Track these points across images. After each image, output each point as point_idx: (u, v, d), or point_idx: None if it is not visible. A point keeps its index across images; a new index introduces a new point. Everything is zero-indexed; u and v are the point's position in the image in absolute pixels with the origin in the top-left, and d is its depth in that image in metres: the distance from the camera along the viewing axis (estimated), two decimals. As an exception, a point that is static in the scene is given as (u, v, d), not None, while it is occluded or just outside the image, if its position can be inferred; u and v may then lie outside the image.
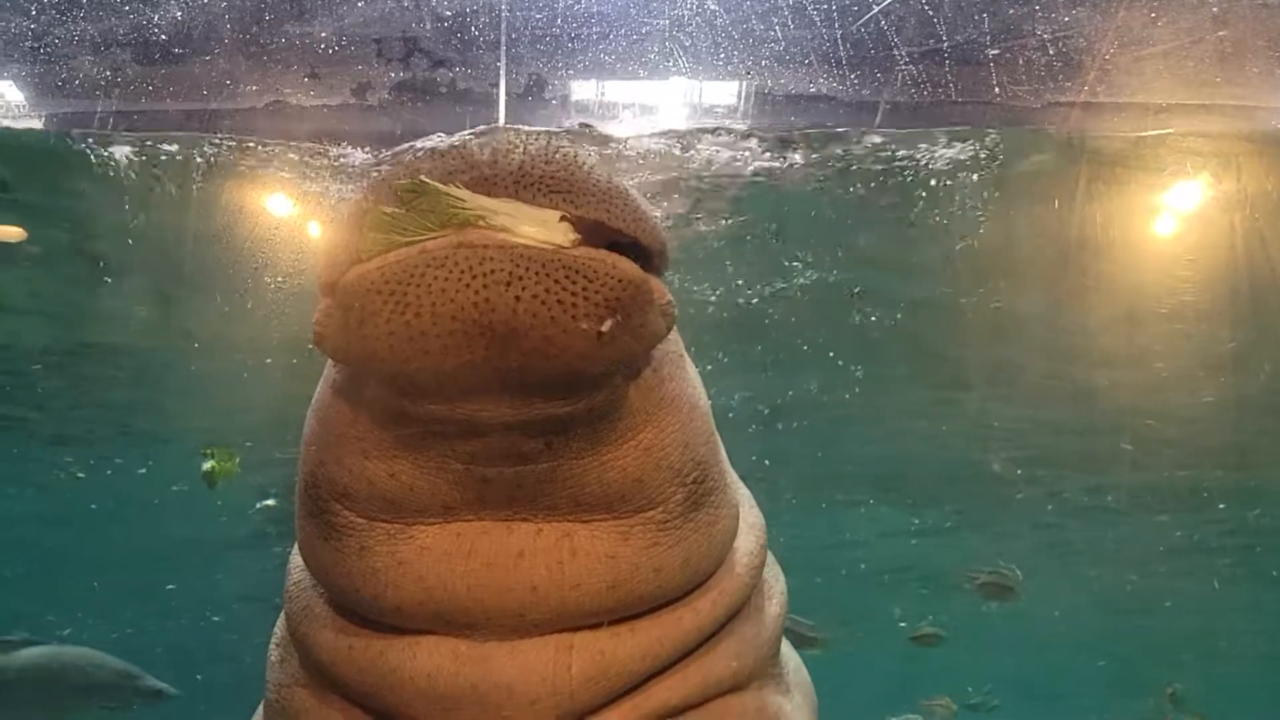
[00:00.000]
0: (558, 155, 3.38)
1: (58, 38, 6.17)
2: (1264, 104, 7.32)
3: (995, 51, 6.47)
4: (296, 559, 4.41)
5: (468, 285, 3.20)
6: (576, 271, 3.25)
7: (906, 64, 6.46)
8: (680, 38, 5.86)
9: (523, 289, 3.21)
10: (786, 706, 4.36)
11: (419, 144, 3.39)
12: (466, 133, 3.40)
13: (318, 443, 3.94)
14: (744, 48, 6.16)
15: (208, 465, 14.46)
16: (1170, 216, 10.10)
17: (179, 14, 6.00)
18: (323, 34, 6.05)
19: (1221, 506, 22.34)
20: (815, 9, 6.07)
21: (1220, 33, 6.51)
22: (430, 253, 3.23)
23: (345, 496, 3.83)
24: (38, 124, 7.23)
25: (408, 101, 6.35)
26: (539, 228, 3.29)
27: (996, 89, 6.69)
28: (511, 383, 3.41)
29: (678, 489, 3.92)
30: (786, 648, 4.68)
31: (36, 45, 6.21)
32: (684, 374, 4.14)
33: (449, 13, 6.15)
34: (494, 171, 3.29)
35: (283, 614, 4.42)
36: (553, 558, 3.75)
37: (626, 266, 3.31)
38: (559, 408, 3.51)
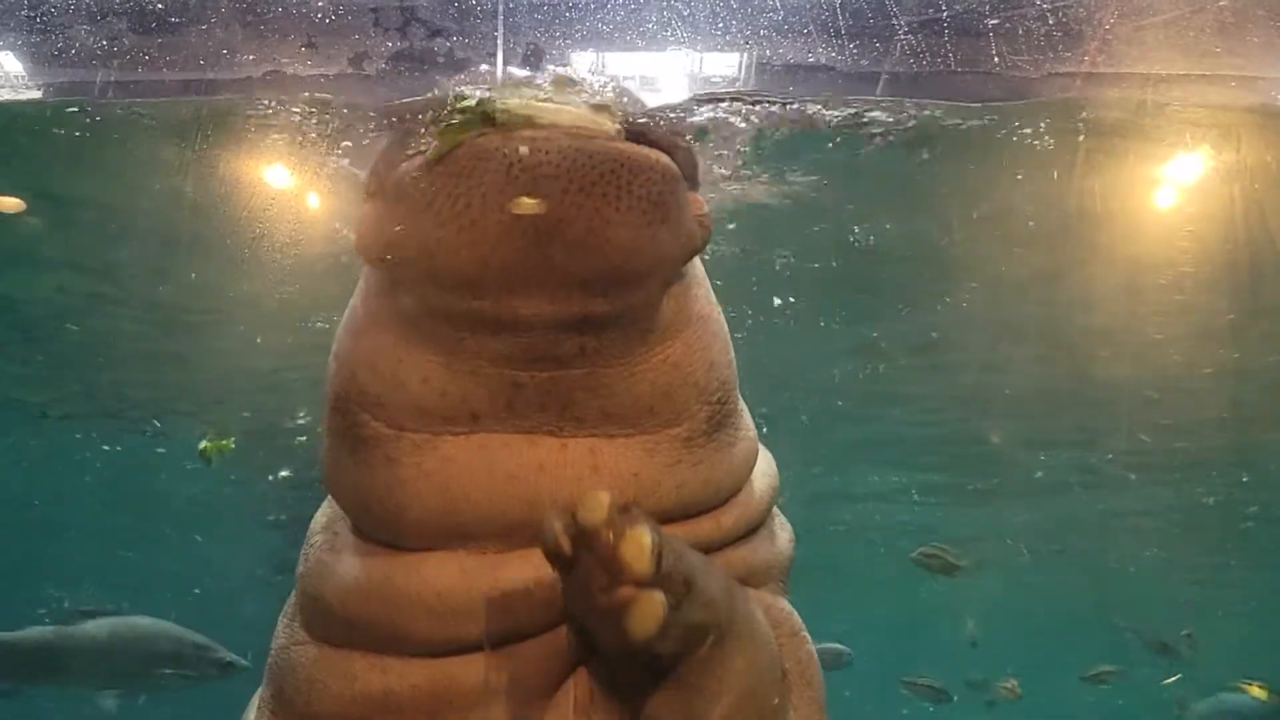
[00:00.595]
0: (599, 79, 3.51)
1: (54, 6, 6.15)
2: (1265, 75, 7.29)
3: (995, 21, 6.45)
4: (314, 527, 4.45)
5: (516, 178, 3.29)
6: (622, 165, 3.33)
7: (906, 34, 6.44)
8: (678, 7, 5.84)
9: (570, 180, 3.29)
10: (797, 618, 4.41)
11: (469, 74, 3.55)
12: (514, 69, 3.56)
13: (349, 356, 3.98)
14: (742, 17, 6.15)
15: (203, 444, 14.67)
16: (1171, 186, 10.10)
17: (175, -18, 6.00)
18: (319, 3, 6.03)
19: (1214, 474, 22.32)
20: (815, -23, 6.07)
21: (1221, 2, 6.49)
22: (480, 146, 3.31)
23: (376, 405, 3.87)
24: (36, 94, 7.22)
25: (405, 71, 6.33)
26: (583, 121, 3.40)
27: (996, 59, 6.67)
28: (555, 277, 3.47)
29: (703, 406, 3.99)
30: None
31: (33, 15, 6.19)
32: (710, 296, 4.19)
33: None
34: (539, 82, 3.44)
35: (291, 594, 4.43)
36: (575, 472, 3.81)
37: (669, 162, 3.39)
38: (598, 305, 3.57)
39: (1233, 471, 21.92)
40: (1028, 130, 8.38)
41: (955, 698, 20.24)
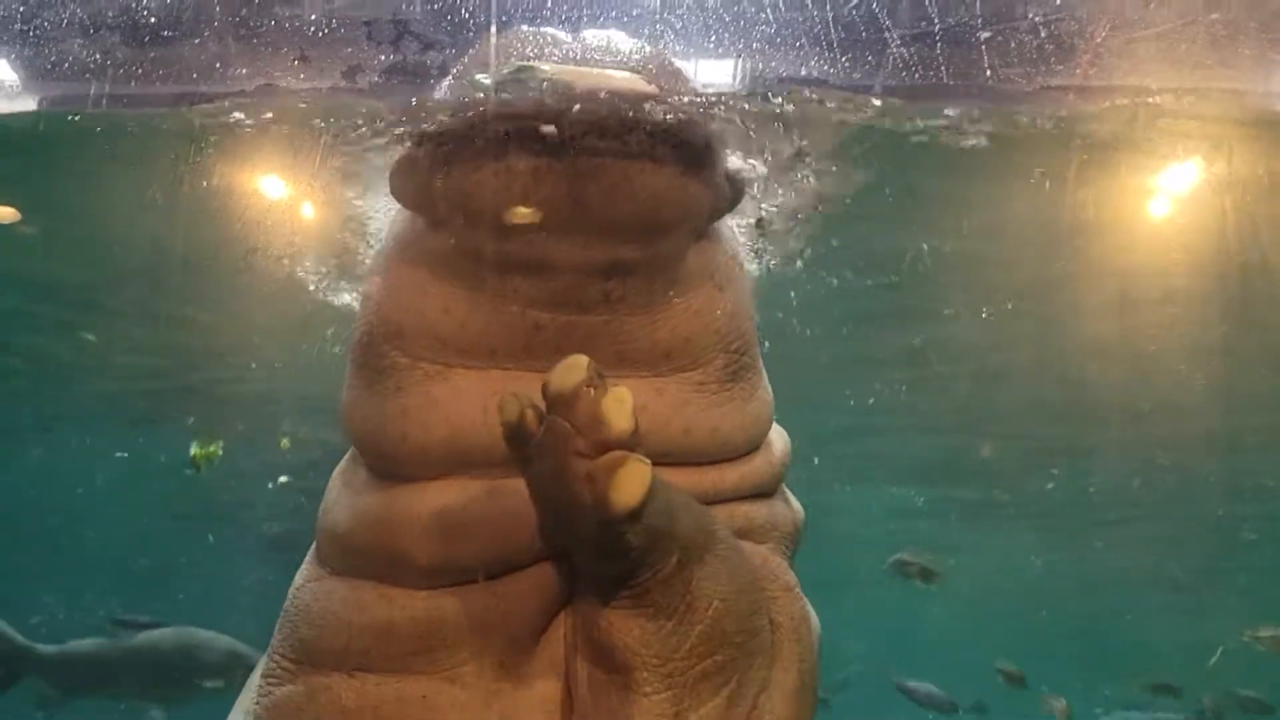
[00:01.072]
0: (645, 49, 3.60)
1: (47, 20, 6.16)
2: (1255, 88, 7.31)
3: (987, 34, 6.47)
4: (335, 472, 4.57)
5: (555, 122, 3.34)
6: (657, 113, 3.40)
7: (898, 47, 6.45)
8: (671, 20, 5.85)
9: (606, 128, 3.36)
10: (793, 575, 4.42)
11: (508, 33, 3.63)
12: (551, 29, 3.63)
13: (378, 290, 4.06)
14: (735, 30, 6.16)
15: (193, 450, 14.72)
16: (1163, 199, 10.12)
17: (167, -4, 6.00)
18: (312, 16, 6.03)
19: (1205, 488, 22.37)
20: (807, -9, 6.08)
21: (1213, 15, 6.50)
22: (521, 96, 3.39)
23: (397, 335, 3.96)
24: (30, 105, 7.23)
25: (398, 84, 6.34)
26: (623, 79, 3.50)
27: (989, 72, 6.68)
28: (587, 221, 3.54)
29: (720, 354, 4.04)
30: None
31: (26, 28, 6.20)
32: (735, 249, 4.23)
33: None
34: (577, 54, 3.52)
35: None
36: None
37: (702, 118, 3.47)
38: (627, 251, 3.64)
39: (1223, 484, 21.95)
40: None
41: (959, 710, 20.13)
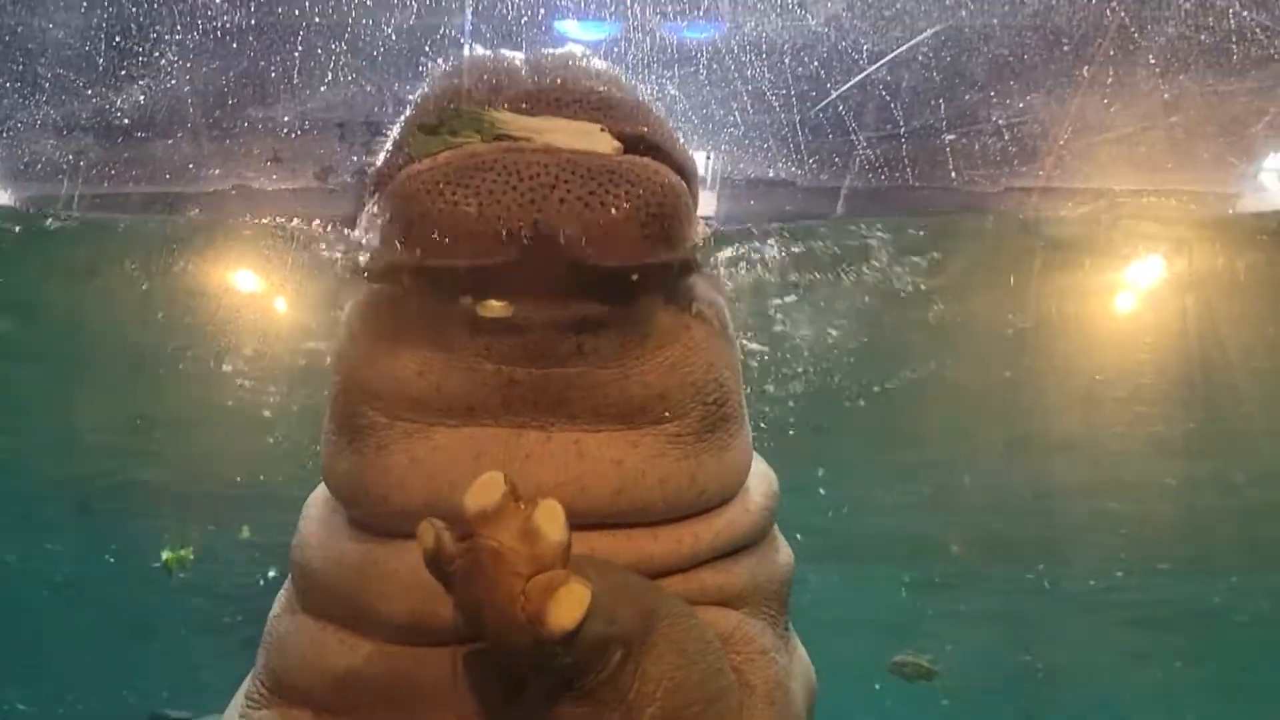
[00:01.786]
0: (598, 73, 3.49)
1: (20, 121, 6.19)
2: (1214, 189, 7.43)
3: (952, 137, 6.56)
4: (310, 501, 4.46)
5: (514, 187, 3.29)
6: (619, 175, 3.33)
7: (865, 149, 6.53)
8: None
9: (567, 191, 3.29)
10: (770, 638, 4.32)
11: (462, 62, 3.51)
12: (509, 52, 3.52)
13: (351, 350, 4.00)
14: (704, 132, 6.23)
15: (164, 555, 14.64)
16: (1128, 298, 10.23)
17: (142, 98, 6.03)
18: (285, 118, 6.08)
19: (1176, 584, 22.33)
20: (774, 94, 6.15)
21: (1172, 119, 6.62)
22: (479, 155, 3.32)
23: (374, 397, 3.88)
24: (4, 203, 7.23)
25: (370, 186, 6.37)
26: (581, 139, 3.39)
27: (954, 173, 6.77)
28: (553, 281, 3.47)
29: (696, 405, 3.97)
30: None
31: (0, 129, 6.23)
32: (714, 295, 4.19)
33: (412, 97, 6.21)
34: (536, 87, 3.41)
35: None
36: (560, 460, 3.78)
37: (667, 172, 3.40)
38: (596, 308, 3.57)
39: (1195, 575, 21.96)
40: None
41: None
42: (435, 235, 3.37)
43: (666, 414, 3.92)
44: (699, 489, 4.06)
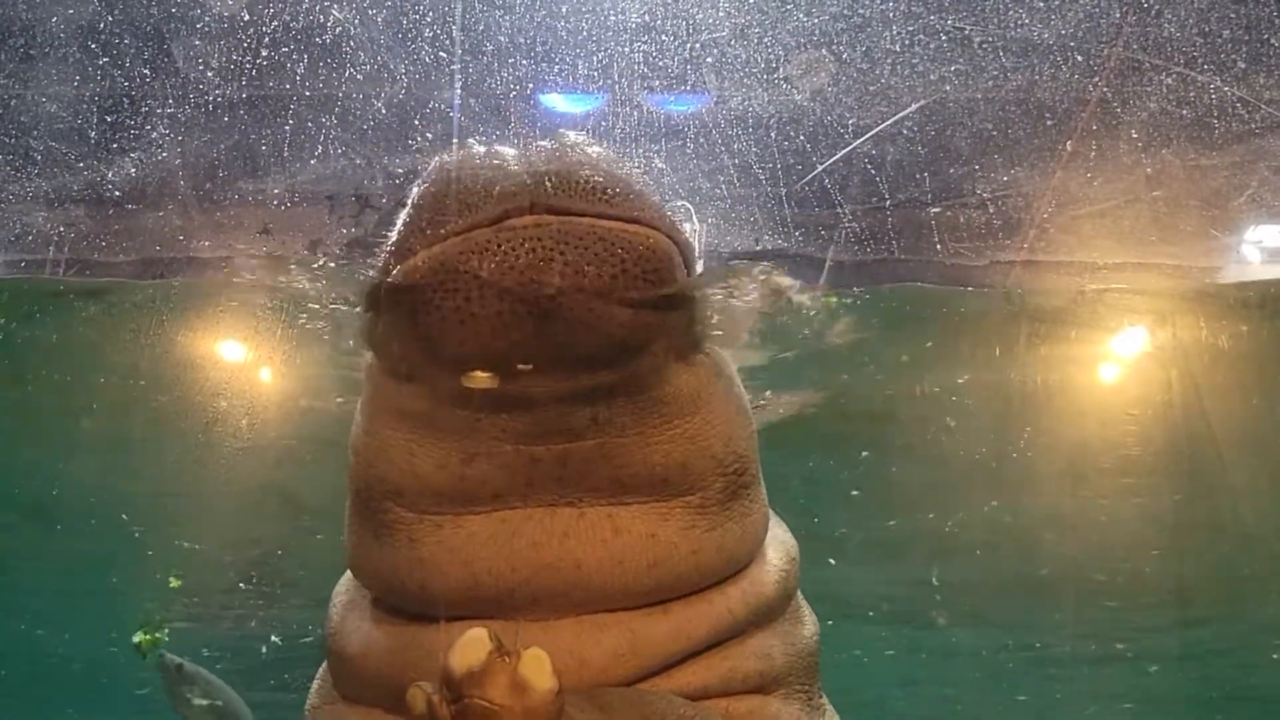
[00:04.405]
0: (593, 161, 3.49)
1: (11, 194, 6.21)
2: (1196, 263, 7.48)
3: (937, 210, 6.60)
4: (338, 589, 4.46)
5: (511, 267, 3.28)
6: (613, 244, 3.32)
7: (850, 221, 6.57)
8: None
9: (565, 264, 3.28)
10: (803, 714, 4.31)
11: (455, 159, 3.51)
12: (501, 147, 3.52)
13: (365, 449, 3.98)
14: (692, 203, 6.27)
15: (137, 638, 14.52)
16: (1111, 370, 10.26)
17: (133, 170, 6.06)
18: (275, 190, 6.11)
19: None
20: (760, 167, 6.20)
21: (1155, 193, 6.67)
22: (473, 239, 3.31)
23: (396, 494, 3.86)
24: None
25: (359, 258, 6.40)
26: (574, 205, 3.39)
27: (939, 246, 6.80)
28: (559, 355, 3.46)
29: (718, 478, 3.97)
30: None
31: (-11, 201, 6.25)
32: (730, 370, 4.20)
33: (401, 170, 6.24)
34: (534, 182, 3.41)
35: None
36: (597, 536, 3.79)
37: (660, 238, 3.40)
38: (604, 376, 3.57)
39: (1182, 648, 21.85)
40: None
41: None
42: (439, 324, 3.39)
43: (689, 486, 3.93)
44: (727, 556, 4.09)
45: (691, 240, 3.90)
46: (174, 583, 17.94)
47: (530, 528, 3.80)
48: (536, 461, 3.75)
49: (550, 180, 3.45)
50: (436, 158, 3.62)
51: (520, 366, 3.54)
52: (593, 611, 3.86)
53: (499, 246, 3.35)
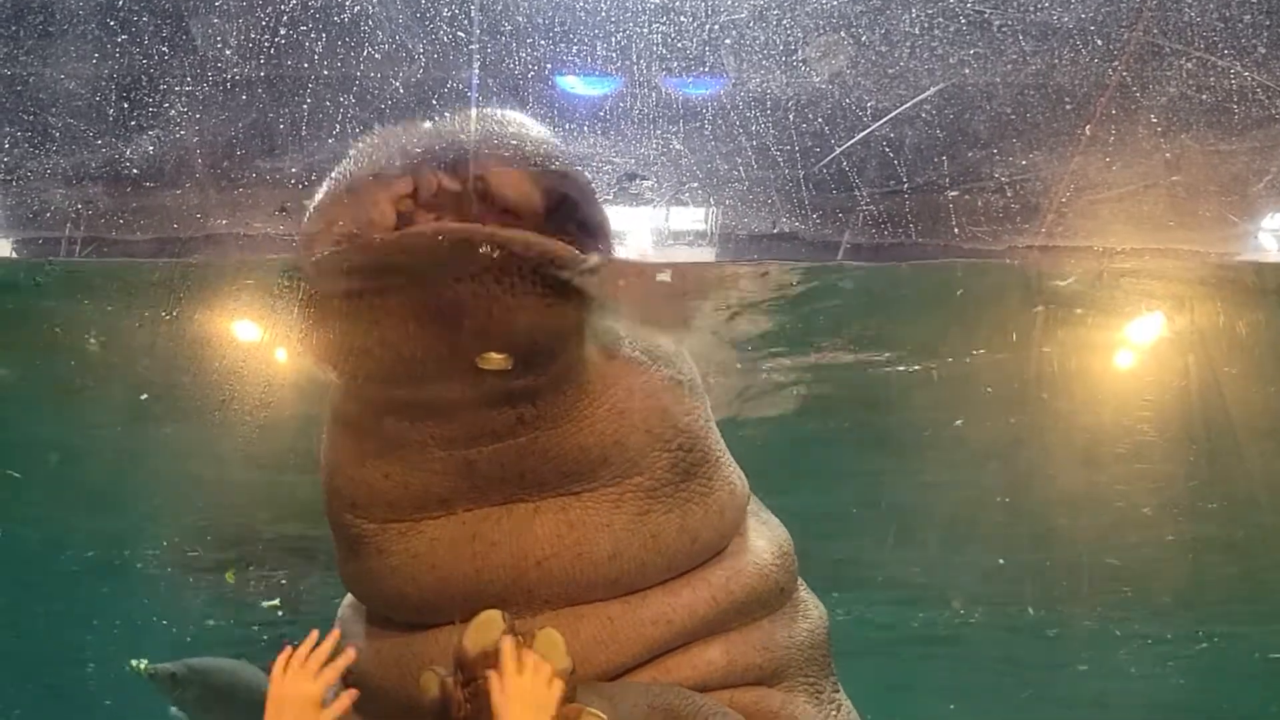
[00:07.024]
0: (504, 154, 3.51)
1: (30, 171, 6.22)
2: (1214, 248, 7.45)
3: (955, 193, 6.58)
4: (345, 602, 4.65)
5: (413, 273, 3.34)
6: (510, 250, 3.35)
7: (868, 204, 6.56)
8: (646, 175, 5.95)
9: (462, 269, 3.32)
10: (814, 711, 4.34)
11: (384, 137, 3.55)
12: (414, 135, 3.54)
13: (326, 464, 4.08)
14: (709, 187, 6.26)
15: (132, 663, 14.61)
16: (1128, 356, 10.24)
17: (151, 148, 6.07)
18: (293, 169, 6.11)
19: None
20: (778, 150, 6.19)
21: (1173, 178, 6.64)
22: (377, 244, 3.35)
23: (354, 506, 3.98)
24: (8, 254, 7.27)
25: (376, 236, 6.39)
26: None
27: (956, 230, 6.78)
28: (467, 361, 3.51)
29: (661, 454, 4.01)
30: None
31: (9, 178, 6.25)
32: (662, 351, 4.21)
33: (418, 150, 6.24)
34: (440, 181, 3.44)
35: None
36: (552, 530, 3.89)
37: (550, 241, 3.42)
38: (516, 382, 3.62)
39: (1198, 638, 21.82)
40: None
41: None
42: (349, 330, 3.44)
43: (632, 464, 3.94)
44: (690, 536, 4.10)
45: (607, 219, 3.88)
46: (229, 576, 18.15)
47: (487, 528, 3.86)
48: (472, 464, 3.81)
49: (457, 180, 3.48)
50: (353, 147, 3.66)
51: (430, 371, 3.58)
52: (564, 605, 3.90)
53: (402, 252, 3.38)
